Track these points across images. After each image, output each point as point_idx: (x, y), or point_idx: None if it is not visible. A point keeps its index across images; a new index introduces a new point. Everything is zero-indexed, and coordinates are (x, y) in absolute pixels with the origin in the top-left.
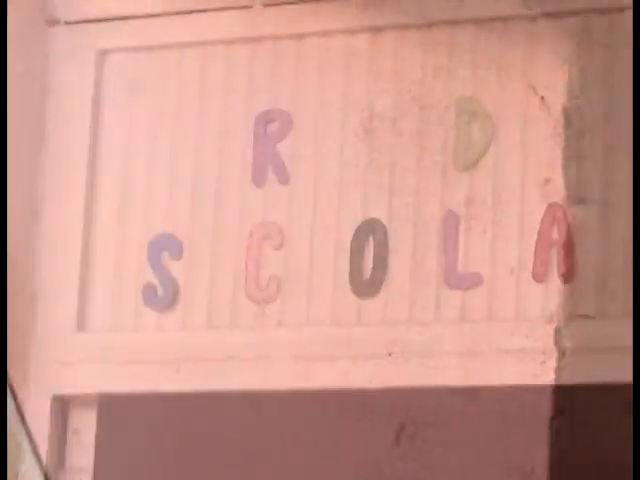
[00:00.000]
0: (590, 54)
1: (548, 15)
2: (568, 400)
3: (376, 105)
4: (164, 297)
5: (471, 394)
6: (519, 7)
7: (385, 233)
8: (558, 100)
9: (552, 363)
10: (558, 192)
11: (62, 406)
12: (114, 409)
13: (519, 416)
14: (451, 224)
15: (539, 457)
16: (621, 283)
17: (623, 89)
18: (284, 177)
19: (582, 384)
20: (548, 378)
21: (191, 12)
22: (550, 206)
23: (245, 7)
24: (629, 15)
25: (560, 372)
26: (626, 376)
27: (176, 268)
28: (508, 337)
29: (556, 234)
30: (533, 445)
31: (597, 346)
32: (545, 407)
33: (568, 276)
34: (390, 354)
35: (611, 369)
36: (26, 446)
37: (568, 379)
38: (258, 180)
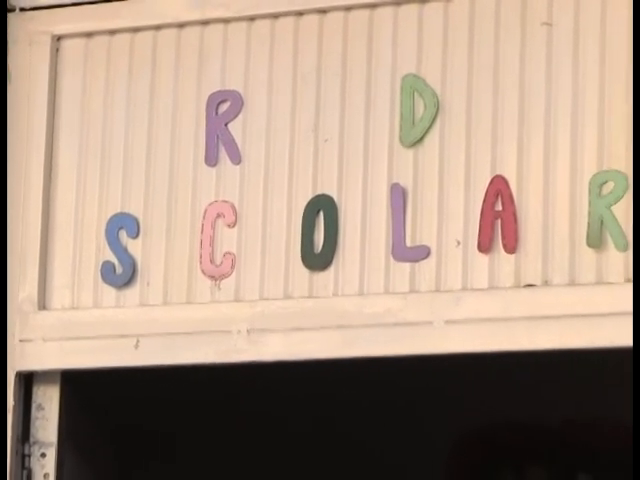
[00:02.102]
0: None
1: None
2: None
3: (325, 84)
4: (122, 275)
5: (417, 362)
6: None
7: (335, 208)
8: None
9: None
10: (501, 166)
11: (26, 382)
12: (76, 384)
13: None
14: (399, 199)
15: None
16: (564, 253)
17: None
18: (236, 156)
19: (526, 350)
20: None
21: None
22: (494, 179)
23: None
24: None
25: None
26: (571, 342)
27: (133, 246)
28: (454, 307)
29: (500, 206)
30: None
31: (541, 314)
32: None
33: (511, 247)
34: (341, 325)
35: (556, 335)
36: None
37: (512, 345)
38: (211, 160)
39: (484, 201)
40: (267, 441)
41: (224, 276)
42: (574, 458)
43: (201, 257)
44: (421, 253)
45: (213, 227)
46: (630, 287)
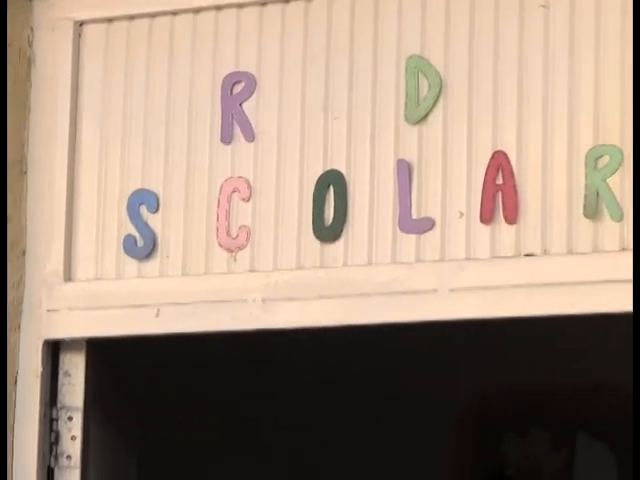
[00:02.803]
0: None
1: None
2: None
3: (333, 66)
4: (143, 247)
5: (424, 327)
6: None
7: (344, 183)
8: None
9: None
10: (502, 141)
11: (53, 350)
12: (101, 351)
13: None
14: (405, 173)
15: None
16: (562, 223)
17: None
18: (250, 134)
19: (527, 316)
20: (500, 312)
21: None
22: (495, 154)
23: None
24: None
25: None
26: (569, 308)
27: (153, 221)
28: (458, 276)
29: (500, 180)
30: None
31: (541, 281)
32: None
33: (512, 218)
34: (350, 294)
35: (555, 302)
36: None
37: (513, 312)
38: (226, 138)
39: (486, 175)
40: (279, 403)
41: (240, 248)
42: (574, 421)
43: (218, 230)
44: (426, 225)
45: (229, 201)
46: (625, 255)
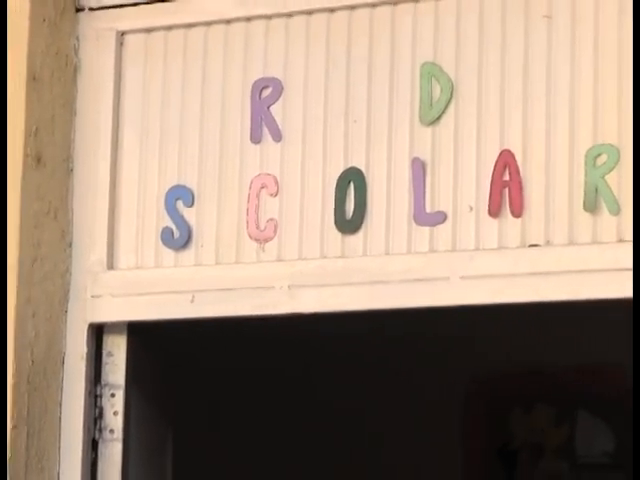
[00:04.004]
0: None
1: None
2: None
3: (353, 72)
4: (179, 239)
5: (438, 312)
6: None
7: (363, 180)
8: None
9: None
10: (508, 141)
11: (97, 333)
12: (140, 334)
13: None
14: (419, 171)
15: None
16: (564, 216)
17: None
18: (277, 135)
19: (531, 302)
20: (507, 298)
21: None
22: (502, 153)
23: None
24: None
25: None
26: (570, 294)
27: (189, 214)
28: (468, 265)
29: (507, 176)
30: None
31: (544, 270)
32: None
33: (518, 212)
34: (369, 282)
35: (558, 289)
36: None
37: (519, 298)
38: (255, 138)
39: (493, 172)
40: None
41: (268, 239)
42: (575, 399)
43: (247, 223)
44: (439, 218)
45: (258, 197)
46: (622, 246)
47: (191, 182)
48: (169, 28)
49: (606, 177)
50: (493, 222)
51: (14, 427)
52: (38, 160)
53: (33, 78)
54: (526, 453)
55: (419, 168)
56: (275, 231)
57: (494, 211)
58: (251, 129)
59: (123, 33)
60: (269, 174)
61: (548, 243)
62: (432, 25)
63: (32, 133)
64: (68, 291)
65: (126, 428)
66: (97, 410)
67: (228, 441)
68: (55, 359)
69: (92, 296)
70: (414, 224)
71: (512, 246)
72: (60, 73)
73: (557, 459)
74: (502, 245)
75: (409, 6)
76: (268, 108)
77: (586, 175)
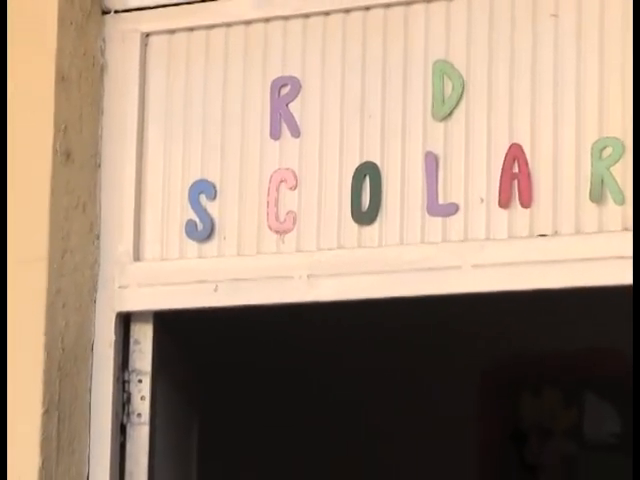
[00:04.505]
0: None
1: None
2: None
3: (368, 69)
4: (203, 231)
5: (451, 300)
6: None
7: (379, 173)
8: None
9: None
10: (517, 135)
11: (125, 321)
12: (166, 322)
13: None
14: (432, 164)
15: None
16: (571, 207)
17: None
18: (296, 131)
19: (540, 289)
20: (516, 285)
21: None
22: (511, 146)
23: None
24: None
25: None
26: (577, 281)
27: (212, 207)
28: (479, 254)
29: (516, 169)
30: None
31: (552, 258)
32: None
33: (527, 203)
34: (384, 271)
35: (565, 276)
36: None
37: (528, 285)
38: (274, 134)
39: (503, 165)
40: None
41: (287, 231)
42: (583, 381)
43: (268, 215)
44: (451, 209)
45: (277, 190)
46: (626, 234)
47: (214, 176)
48: (191, 29)
49: (611, 169)
50: (503, 213)
51: (45, 411)
52: (67, 156)
53: (62, 78)
54: (536, 435)
55: (432, 161)
56: (294, 223)
57: (504, 202)
58: (270, 125)
59: (147, 34)
60: (288, 168)
61: (556, 233)
62: (443, 24)
63: (61, 130)
64: (96, 282)
65: (153, 412)
66: (125, 395)
67: (250, 428)
68: (84, 347)
69: (119, 286)
70: (427, 215)
71: (521, 236)
72: (87, 73)
73: (566, 440)
74: (512, 235)
75: (421, 6)
76: (287, 105)
77: (592, 167)
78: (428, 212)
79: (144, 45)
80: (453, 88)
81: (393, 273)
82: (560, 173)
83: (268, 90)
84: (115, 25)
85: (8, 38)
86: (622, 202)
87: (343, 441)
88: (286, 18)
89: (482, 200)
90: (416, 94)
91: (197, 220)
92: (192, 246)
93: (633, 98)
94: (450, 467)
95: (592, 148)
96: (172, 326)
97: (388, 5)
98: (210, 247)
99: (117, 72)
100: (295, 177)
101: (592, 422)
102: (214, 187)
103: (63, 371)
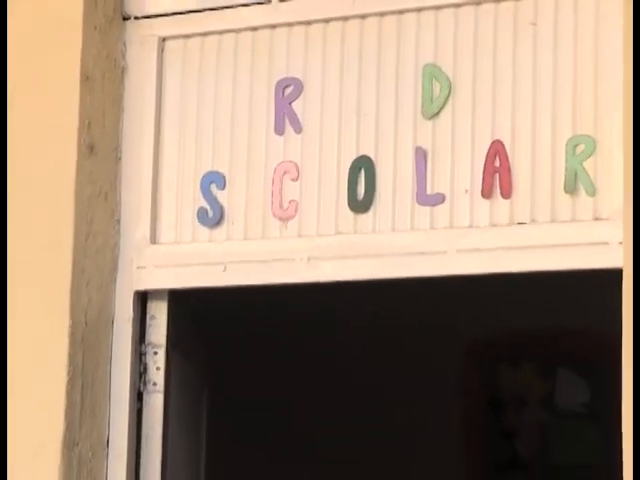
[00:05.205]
0: None
1: None
2: None
3: (365, 72)
4: (213, 217)
5: (437, 281)
6: None
7: (373, 166)
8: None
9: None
10: (499, 132)
11: (142, 299)
12: (179, 299)
13: None
14: (421, 158)
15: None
16: (547, 198)
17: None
18: (298, 127)
19: (519, 272)
20: (497, 268)
21: (225, 7)
22: (493, 142)
23: (265, 2)
24: None
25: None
26: (553, 265)
27: (221, 196)
28: (463, 240)
29: (498, 163)
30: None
31: (530, 244)
32: None
33: (507, 194)
34: (378, 255)
35: (541, 261)
36: None
37: (508, 268)
38: (279, 130)
39: (486, 159)
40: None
41: (290, 218)
42: (556, 357)
43: (272, 203)
44: (438, 199)
45: (281, 181)
46: (597, 223)
47: (223, 168)
48: (204, 34)
49: (584, 163)
50: (485, 203)
51: (70, 379)
52: (91, 149)
53: (86, 78)
54: (513, 404)
55: (421, 156)
56: (296, 211)
57: (486, 193)
58: (275, 122)
59: (164, 39)
60: (291, 161)
61: (533, 221)
62: (432, 32)
63: (85, 126)
64: (117, 263)
65: (167, 381)
66: (142, 366)
67: (257, 397)
68: (106, 322)
69: (137, 267)
70: (417, 204)
71: (502, 224)
72: (109, 74)
73: (540, 409)
74: (493, 223)
75: (412, 15)
76: (290, 104)
77: (566, 162)
78: (417, 202)
79: (161, 48)
80: (441, 89)
81: (385, 257)
82: (537, 167)
83: (273, 90)
84: (135, 30)
85: (37, 42)
86: (593, 194)
87: (342, 404)
88: (290, 25)
89: (466, 191)
90: (407, 95)
91: (208, 207)
92: (203, 231)
93: (627, 103)
94: (437, 431)
95: (566, 145)
96: (185, 303)
97: (382, 14)
98: (219, 232)
99: (136, 73)
100: (297, 169)
101: (564, 393)
102: (223, 178)
103: (86, 343)
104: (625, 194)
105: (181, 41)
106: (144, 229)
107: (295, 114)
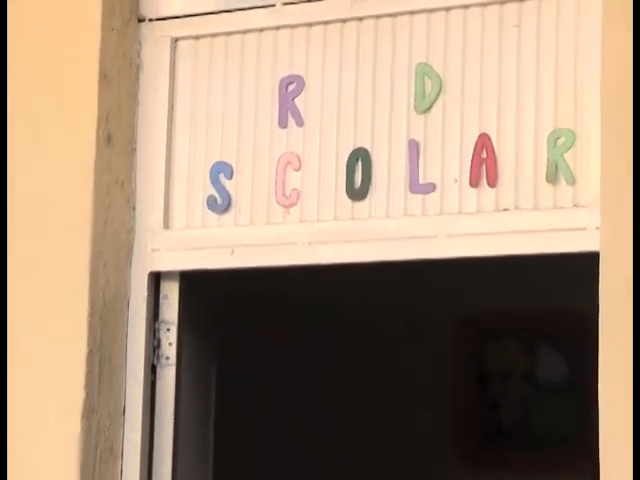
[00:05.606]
0: None
1: None
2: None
3: (362, 71)
4: (221, 204)
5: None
6: None
7: (369, 157)
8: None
9: (484, 241)
10: (486, 126)
11: (156, 279)
12: (190, 280)
13: None
14: (414, 150)
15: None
16: (530, 186)
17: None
18: (300, 121)
19: (504, 255)
20: (484, 252)
21: (233, 11)
22: (480, 135)
23: (270, 5)
24: None
25: (486, 247)
26: (535, 249)
27: (229, 185)
28: (453, 226)
29: (485, 154)
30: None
31: (514, 229)
32: None
33: (493, 183)
34: (373, 239)
35: (525, 244)
36: None
37: (494, 252)
38: (282, 123)
39: (474, 151)
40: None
41: (292, 205)
42: (538, 334)
43: (276, 192)
44: (429, 188)
45: (284, 171)
46: (576, 210)
47: (231, 159)
48: (213, 35)
49: (564, 155)
50: (473, 191)
51: (89, 353)
52: (108, 140)
53: (104, 76)
54: (498, 378)
55: (414, 148)
56: (298, 198)
57: (474, 182)
58: (279, 116)
59: (176, 39)
60: (293, 153)
61: (517, 208)
62: (425, 33)
63: (104, 119)
64: (132, 246)
65: (179, 356)
66: (155, 341)
67: (263, 372)
68: (122, 300)
69: (152, 250)
70: (409, 193)
71: (488, 210)
72: (125, 72)
73: (523, 383)
74: (480, 210)
75: (406, 18)
76: (292, 100)
77: (548, 153)
78: (410, 190)
79: (173, 48)
80: (432, 86)
81: (380, 241)
82: (521, 158)
83: (277, 87)
84: (149, 31)
85: (59, 43)
86: (573, 183)
87: (340, 376)
88: (293, 27)
89: (455, 180)
90: (401, 91)
91: (217, 195)
92: (212, 217)
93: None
94: (428, 403)
95: (548, 138)
96: (195, 284)
97: (378, 17)
98: (227, 218)
99: (150, 71)
100: (299, 160)
101: (545, 368)
102: (231, 168)
103: (104, 320)
104: (602, 183)
105: (192, 41)
106: (157, 215)
107: (297, 109)
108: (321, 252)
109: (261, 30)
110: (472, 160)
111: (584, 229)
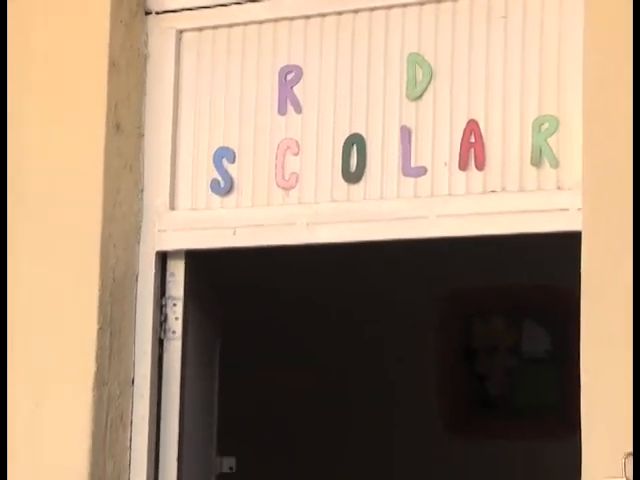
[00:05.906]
0: None
1: None
2: None
3: (357, 61)
4: (224, 187)
5: (420, 243)
6: None
7: (364, 142)
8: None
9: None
10: (474, 113)
11: (163, 258)
12: (195, 259)
13: None
14: (406, 135)
15: None
16: (516, 169)
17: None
18: (298, 108)
19: (491, 234)
20: (473, 231)
21: (234, 4)
22: (469, 121)
23: None
24: None
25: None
26: (521, 228)
27: (231, 169)
28: (443, 207)
29: (473, 139)
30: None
31: (501, 210)
32: None
33: (481, 166)
34: (368, 220)
35: (511, 224)
36: None
37: (482, 231)
38: (282, 111)
39: (462, 136)
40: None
41: (291, 187)
42: (522, 309)
43: (276, 175)
44: (421, 171)
45: (284, 155)
46: (559, 192)
47: (233, 144)
48: (216, 27)
49: (548, 140)
50: (462, 174)
51: (100, 328)
52: (118, 127)
53: (113, 65)
54: (484, 351)
55: (406, 133)
56: (297, 181)
57: (463, 166)
58: (278, 104)
59: (181, 31)
60: (292, 138)
61: (504, 190)
62: (416, 24)
63: (113, 107)
64: (140, 227)
65: (184, 330)
66: (162, 316)
67: (265, 346)
68: (131, 278)
69: (159, 230)
70: (402, 176)
71: (476, 192)
72: (133, 62)
73: (508, 355)
74: (469, 192)
75: (399, 10)
76: (291, 88)
77: (532, 138)
78: (403, 173)
79: (178, 39)
80: (423, 75)
81: (375, 222)
82: (507, 143)
83: (276, 76)
84: (156, 23)
85: (70, 34)
86: (556, 166)
87: (339, 348)
88: (291, 19)
89: (445, 164)
90: (394, 80)
91: (220, 178)
92: (216, 199)
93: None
94: (418, 376)
95: (533, 123)
96: (200, 262)
97: (372, 9)
98: (230, 200)
99: (157, 61)
100: (297, 145)
101: (529, 341)
102: (233, 152)
103: (114, 297)
104: (584, 167)
105: (196, 33)
106: (164, 197)
107: (296, 97)
108: (319, 232)
109: (261, 22)
110: (461, 145)
111: (567, 210)
